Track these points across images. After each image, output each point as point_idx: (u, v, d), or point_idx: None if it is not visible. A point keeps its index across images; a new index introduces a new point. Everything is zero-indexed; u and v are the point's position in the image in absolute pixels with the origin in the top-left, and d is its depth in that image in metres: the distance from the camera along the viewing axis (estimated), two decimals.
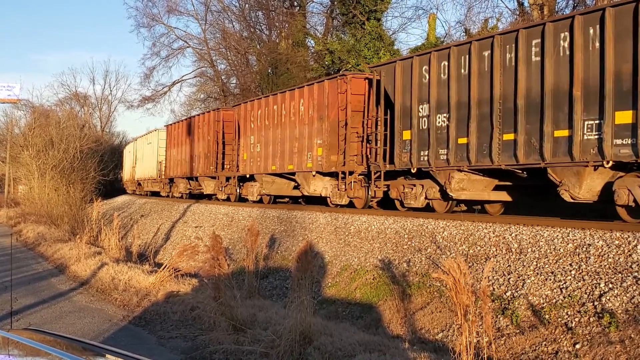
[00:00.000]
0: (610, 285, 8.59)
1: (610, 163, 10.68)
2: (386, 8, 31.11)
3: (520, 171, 12.95)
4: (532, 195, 14.44)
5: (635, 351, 7.34)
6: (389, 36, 31.61)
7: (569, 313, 8.53)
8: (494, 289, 9.76)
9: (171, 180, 33.85)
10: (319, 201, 20.00)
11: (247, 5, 42.43)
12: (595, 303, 8.42)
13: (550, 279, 9.35)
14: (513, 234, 11.02)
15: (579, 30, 11.10)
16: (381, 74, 15.90)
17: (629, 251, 9.11)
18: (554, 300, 8.90)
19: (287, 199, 23.57)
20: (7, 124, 51.92)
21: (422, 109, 14.54)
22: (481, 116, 12.97)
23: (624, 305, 8.15)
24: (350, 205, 17.58)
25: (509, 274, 9.99)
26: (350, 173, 17.20)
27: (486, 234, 11.52)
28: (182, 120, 33.58)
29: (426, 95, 14.38)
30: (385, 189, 16.06)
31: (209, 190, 27.76)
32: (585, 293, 8.70)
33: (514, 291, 9.55)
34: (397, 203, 15.93)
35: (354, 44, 29.92)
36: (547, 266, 9.70)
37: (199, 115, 30.42)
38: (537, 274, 9.64)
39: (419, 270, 11.57)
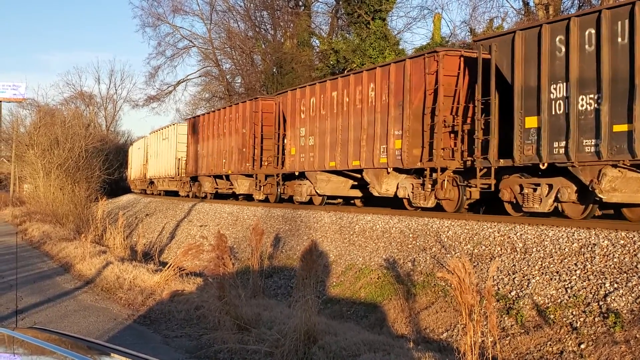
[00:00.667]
0: (616, 285, 8.57)
1: None
2: (391, 8, 31.09)
3: None
4: None
5: None
6: (394, 36, 31.59)
7: (574, 313, 8.51)
8: (498, 288, 9.75)
9: (193, 179, 31.24)
10: (384, 202, 17.74)
11: (252, 4, 42.53)
12: (601, 303, 8.40)
13: (555, 279, 9.33)
14: (518, 234, 11.00)
15: None
16: (491, 48, 13.17)
17: (635, 251, 9.09)
18: (559, 300, 8.88)
19: (339, 200, 21.12)
20: (12, 123, 52.02)
21: (556, 89, 11.86)
22: None
23: (629, 305, 8.13)
24: (437, 208, 14.86)
25: (513, 274, 9.97)
26: (442, 170, 14.43)
27: (491, 234, 11.50)
28: (208, 113, 30.46)
29: (562, 71, 11.71)
30: (486, 188, 13.44)
31: (242, 189, 25.06)
32: (591, 293, 8.68)
33: (518, 291, 9.53)
34: (509, 207, 13.11)
35: (358, 44, 29.91)
36: (552, 266, 9.68)
37: (230, 106, 27.29)
38: (542, 273, 9.62)
39: (423, 269, 11.56)
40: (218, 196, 28.28)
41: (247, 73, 42.84)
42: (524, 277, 9.78)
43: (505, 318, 9.09)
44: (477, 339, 6.65)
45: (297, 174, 20.46)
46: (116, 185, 49.37)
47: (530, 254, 10.26)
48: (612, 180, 11.11)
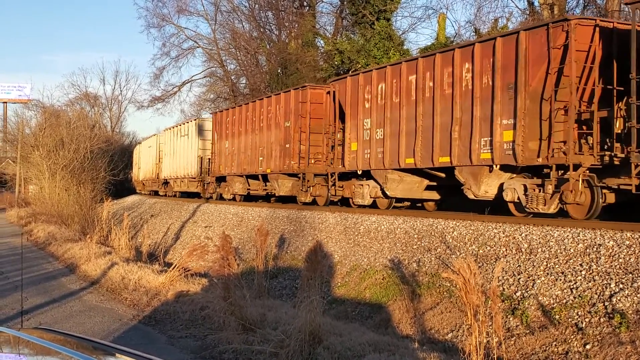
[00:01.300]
0: (621, 286, 8.55)
1: None
2: (396, 8, 31.08)
3: None
4: None
5: None
6: (398, 36, 31.57)
7: (579, 313, 8.49)
8: (503, 289, 9.74)
9: (218, 179, 28.24)
10: (458, 206, 15.74)
11: (256, 5, 42.53)
12: (606, 303, 8.38)
13: (560, 279, 9.31)
14: (523, 234, 10.98)
15: None
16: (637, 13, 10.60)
17: None
18: (564, 301, 8.86)
19: (406, 203, 18.28)
20: (18, 124, 52.17)
21: None
22: None
23: (635, 305, 8.11)
24: (560, 213, 12.36)
25: (519, 274, 9.95)
26: (576, 167, 11.77)
27: (496, 234, 11.49)
28: (240, 105, 26.80)
29: None
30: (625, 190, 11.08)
31: (283, 190, 21.99)
32: (596, 293, 8.67)
33: (524, 291, 9.52)
34: None
35: (363, 44, 29.90)
36: (557, 266, 9.66)
37: (269, 97, 23.60)
38: (547, 274, 9.60)
39: (428, 270, 11.55)
40: (248, 198, 25.84)
41: (252, 74, 42.87)
42: (529, 277, 9.77)
43: (511, 318, 9.08)
44: (482, 339, 6.65)
45: (359, 172, 17.67)
46: (121, 186, 49.46)
47: (536, 255, 10.25)
48: None
